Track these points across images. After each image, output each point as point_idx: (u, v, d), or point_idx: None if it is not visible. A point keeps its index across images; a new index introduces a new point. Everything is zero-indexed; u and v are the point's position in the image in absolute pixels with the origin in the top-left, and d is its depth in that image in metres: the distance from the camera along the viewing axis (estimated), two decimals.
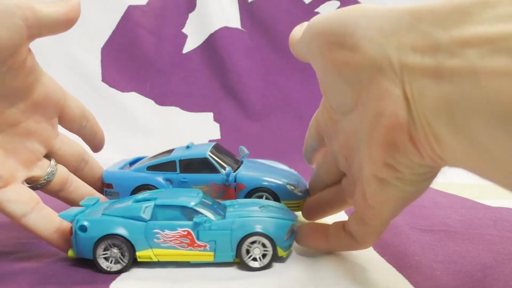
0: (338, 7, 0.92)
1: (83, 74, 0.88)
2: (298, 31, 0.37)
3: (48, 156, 0.42)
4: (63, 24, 0.40)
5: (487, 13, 0.21)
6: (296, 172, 0.52)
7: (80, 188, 0.44)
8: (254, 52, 0.96)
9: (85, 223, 0.36)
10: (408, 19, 0.25)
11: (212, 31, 0.92)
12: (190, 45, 0.94)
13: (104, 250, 0.36)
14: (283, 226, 0.37)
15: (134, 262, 0.37)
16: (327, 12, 0.33)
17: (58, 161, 0.43)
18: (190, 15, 0.93)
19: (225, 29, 0.93)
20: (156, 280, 0.35)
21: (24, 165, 0.39)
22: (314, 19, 0.33)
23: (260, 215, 0.38)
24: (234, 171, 0.48)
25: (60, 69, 0.85)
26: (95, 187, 0.47)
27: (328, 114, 0.37)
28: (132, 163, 0.54)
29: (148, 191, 0.43)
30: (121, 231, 0.36)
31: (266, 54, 0.96)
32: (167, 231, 0.36)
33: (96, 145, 0.49)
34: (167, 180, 0.48)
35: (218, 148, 0.51)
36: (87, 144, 0.48)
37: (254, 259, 0.36)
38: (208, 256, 0.37)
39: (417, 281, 0.34)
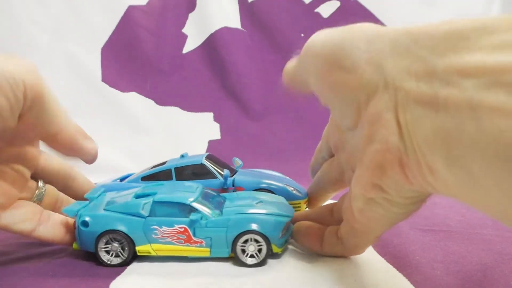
0: (338, 8, 0.92)
1: (83, 74, 0.88)
2: (291, 65, 0.38)
3: (35, 177, 0.41)
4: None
5: (484, 40, 0.20)
6: (292, 180, 0.52)
7: None
8: (254, 52, 0.96)
9: (87, 219, 0.37)
10: (406, 41, 0.25)
11: (212, 31, 0.92)
12: (190, 45, 0.94)
13: (106, 243, 0.38)
14: (279, 223, 0.38)
15: (134, 257, 0.38)
16: (325, 31, 0.32)
17: (45, 180, 0.42)
18: (190, 15, 0.93)
19: (225, 29, 0.93)
20: (155, 277, 0.35)
21: (14, 187, 0.38)
22: (312, 39, 0.32)
23: (256, 211, 0.38)
24: (231, 176, 0.48)
25: (60, 69, 0.85)
26: None
27: (336, 126, 0.37)
28: (122, 179, 0.53)
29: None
30: (121, 227, 0.37)
31: (266, 54, 0.96)
32: (164, 227, 0.37)
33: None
34: None
35: (212, 157, 0.51)
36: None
37: (252, 256, 0.37)
38: (204, 252, 0.37)
39: (417, 281, 0.34)
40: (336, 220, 0.39)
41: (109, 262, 0.37)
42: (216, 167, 0.48)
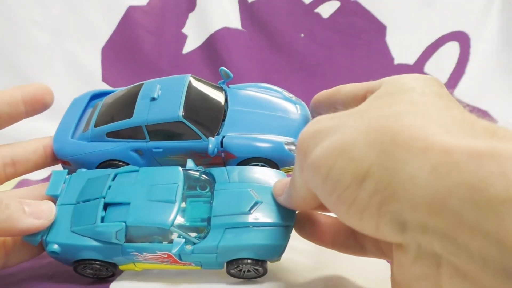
0: (338, 8, 0.92)
1: (83, 74, 0.87)
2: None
3: None
4: None
5: None
6: (291, 97, 0.43)
7: None
8: (254, 52, 0.96)
9: (55, 247, 0.33)
10: (421, 173, 0.20)
11: (212, 31, 0.92)
12: (190, 45, 0.94)
13: (84, 267, 0.34)
14: (277, 248, 0.33)
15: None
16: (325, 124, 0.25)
17: None
18: (190, 15, 0.93)
19: (225, 30, 0.93)
20: (156, 278, 0.35)
21: None
22: (310, 147, 0.26)
23: (249, 235, 0.32)
24: (219, 126, 0.37)
25: (60, 69, 0.85)
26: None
27: None
28: (95, 95, 0.44)
29: (116, 170, 0.36)
30: (96, 255, 0.33)
31: (266, 54, 0.96)
32: (145, 254, 0.33)
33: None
34: (136, 151, 0.38)
35: (194, 89, 0.39)
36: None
37: (241, 271, 0.34)
38: (195, 268, 0.34)
39: None
40: (353, 245, 0.35)
41: (95, 276, 0.35)
42: (200, 122, 0.37)
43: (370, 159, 0.21)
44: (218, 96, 0.41)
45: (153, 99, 0.38)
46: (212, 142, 0.36)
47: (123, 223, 0.32)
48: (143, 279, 0.35)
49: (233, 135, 0.37)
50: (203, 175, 0.36)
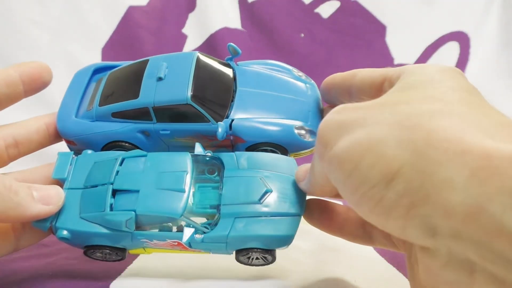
0: (338, 8, 0.92)
1: None
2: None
3: None
4: None
5: None
6: (301, 76, 0.42)
7: None
8: (254, 53, 0.96)
9: (65, 233, 0.33)
10: (456, 176, 0.19)
11: (212, 31, 0.92)
12: (190, 46, 0.94)
13: (94, 251, 0.34)
14: (286, 239, 0.32)
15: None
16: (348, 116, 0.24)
17: None
18: (190, 15, 0.93)
19: (225, 30, 0.93)
20: (157, 278, 0.35)
21: None
22: (336, 141, 0.24)
23: (259, 226, 0.32)
24: (228, 108, 0.36)
25: (60, 69, 0.85)
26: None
27: None
28: (98, 68, 0.43)
29: (123, 154, 0.35)
30: (106, 241, 0.33)
31: (266, 54, 0.96)
32: (155, 241, 0.33)
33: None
34: (142, 132, 0.37)
35: (202, 68, 0.37)
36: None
37: (256, 258, 0.34)
38: (204, 253, 0.34)
39: None
40: (361, 236, 0.34)
41: (105, 259, 0.35)
42: (208, 105, 0.36)
43: (401, 158, 0.20)
44: (227, 75, 0.39)
45: (160, 79, 0.37)
46: (221, 127, 0.35)
47: (133, 212, 0.32)
48: (143, 280, 0.35)
49: (242, 118, 0.36)
50: (212, 160, 0.35)
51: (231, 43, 0.40)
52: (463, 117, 0.21)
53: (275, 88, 0.40)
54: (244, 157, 0.35)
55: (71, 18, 0.86)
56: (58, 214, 0.33)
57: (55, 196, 0.33)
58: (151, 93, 0.36)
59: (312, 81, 0.42)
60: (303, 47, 0.92)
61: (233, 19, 0.94)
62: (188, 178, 0.33)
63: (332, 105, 0.38)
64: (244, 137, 0.36)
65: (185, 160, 0.34)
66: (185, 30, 0.94)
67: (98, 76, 0.44)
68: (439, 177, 0.19)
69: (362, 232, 0.33)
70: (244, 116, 0.37)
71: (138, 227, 0.33)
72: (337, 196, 0.31)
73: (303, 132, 0.37)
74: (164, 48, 0.92)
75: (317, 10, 0.94)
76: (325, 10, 0.92)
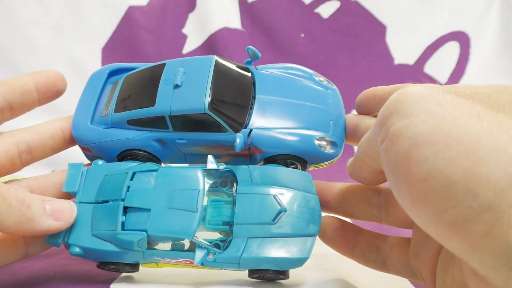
0: (338, 8, 0.92)
1: (84, 74, 0.87)
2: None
3: None
4: None
5: None
6: (322, 81, 0.39)
7: None
8: None
9: (77, 250, 0.33)
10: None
11: (212, 31, 0.92)
12: (190, 46, 0.94)
13: (107, 264, 0.34)
14: (299, 261, 0.32)
15: None
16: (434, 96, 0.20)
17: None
18: (190, 15, 0.93)
19: (226, 30, 0.93)
20: (156, 280, 0.35)
21: None
22: (408, 115, 0.20)
23: (272, 246, 0.31)
24: (246, 116, 0.35)
25: (60, 69, 0.85)
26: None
27: None
28: (113, 71, 0.42)
29: (134, 168, 0.35)
30: (118, 258, 0.33)
31: (266, 54, 0.96)
32: (167, 259, 0.33)
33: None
34: (158, 140, 0.36)
35: (220, 74, 0.36)
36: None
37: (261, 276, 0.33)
38: (217, 269, 0.34)
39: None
40: (374, 216, 0.33)
41: (119, 271, 0.35)
42: (226, 114, 0.34)
43: (498, 167, 0.16)
44: (246, 81, 0.37)
45: (177, 86, 0.35)
46: (240, 138, 0.33)
47: (144, 233, 0.31)
48: (143, 280, 0.35)
49: (261, 127, 0.35)
50: (225, 175, 0.35)
51: (250, 46, 0.39)
52: None
53: (295, 96, 0.38)
54: (258, 171, 0.34)
55: (71, 18, 0.86)
56: (70, 229, 0.33)
57: (67, 212, 0.32)
58: (167, 101, 0.35)
59: (334, 86, 0.41)
60: (303, 47, 0.92)
61: (233, 19, 0.94)
62: (200, 197, 0.32)
63: (362, 112, 0.36)
64: (262, 148, 0.35)
65: (197, 177, 0.33)
66: (185, 30, 0.94)
67: (114, 78, 0.43)
68: None
69: (375, 256, 0.32)
70: (263, 125, 0.35)
71: (150, 243, 0.32)
72: (370, 181, 0.29)
73: (324, 143, 0.36)
74: (164, 48, 0.92)
75: (317, 10, 0.94)
76: (325, 10, 0.92)
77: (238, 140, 0.33)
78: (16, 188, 0.30)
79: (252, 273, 0.33)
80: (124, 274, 0.36)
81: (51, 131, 0.38)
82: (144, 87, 0.38)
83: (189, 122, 0.35)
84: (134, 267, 0.34)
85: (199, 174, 0.33)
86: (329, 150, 0.35)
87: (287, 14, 0.94)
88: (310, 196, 0.34)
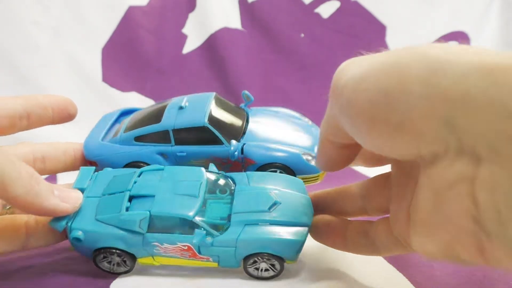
0: (338, 8, 0.92)
1: (83, 74, 0.88)
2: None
3: None
4: None
5: None
6: (307, 121, 0.45)
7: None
8: (254, 53, 0.96)
9: (79, 234, 0.34)
10: (483, 85, 0.18)
11: (212, 31, 0.92)
12: (190, 46, 0.94)
13: (104, 257, 0.35)
14: (295, 244, 0.33)
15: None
16: (358, 58, 0.26)
17: None
18: (190, 15, 0.93)
19: (226, 30, 0.93)
20: (157, 277, 0.35)
21: None
22: (340, 74, 0.26)
23: (268, 229, 0.33)
24: (240, 136, 0.40)
25: (60, 69, 0.85)
26: None
27: None
28: (124, 112, 0.47)
29: (142, 168, 0.37)
30: (118, 243, 0.34)
31: (266, 54, 0.96)
32: (166, 245, 0.34)
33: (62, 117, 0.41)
34: (161, 154, 0.41)
35: (218, 103, 0.42)
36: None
37: (257, 269, 0.35)
38: (212, 264, 0.35)
39: (417, 281, 0.34)
40: (360, 208, 0.36)
41: (111, 271, 0.35)
42: (223, 128, 0.40)
43: (418, 68, 0.20)
44: (240, 110, 0.44)
45: (181, 108, 0.41)
46: (234, 145, 0.39)
47: (147, 212, 0.33)
48: (143, 279, 0.35)
49: (253, 143, 0.40)
50: (225, 179, 0.37)
51: (245, 91, 0.45)
52: (462, 46, 0.21)
53: (283, 123, 0.44)
54: (254, 176, 0.37)
55: (71, 18, 0.87)
56: (74, 216, 0.34)
57: (74, 197, 0.34)
58: (172, 119, 0.40)
59: (317, 126, 0.45)
60: (303, 47, 0.92)
61: (233, 19, 0.94)
62: (202, 186, 0.34)
63: None
64: (254, 159, 0.39)
65: (200, 172, 0.36)
66: (185, 30, 0.94)
67: (124, 117, 0.48)
68: (456, 74, 0.19)
69: (365, 241, 0.33)
70: (255, 140, 0.40)
71: (151, 231, 0.34)
72: (344, 149, 0.31)
73: (309, 157, 0.40)
74: (164, 48, 0.92)
75: (317, 10, 0.94)
76: (325, 10, 0.93)
77: (232, 147, 0.39)
78: (26, 165, 0.31)
79: (246, 263, 0.34)
80: (123, 274, 0.36)
81: (64, 148, 0.43)
82: (152, 112, 0.43)
83: (190, 136, 0.39)
84: (130, 262, 0.35)
85: (202, 170, 0.36)
86: (313, 163, 0.39)
87: (287, 14, 0.94)
88: (303, 195, 0.37)
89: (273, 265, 0.34)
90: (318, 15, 0.94)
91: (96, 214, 0.34)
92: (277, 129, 0.43)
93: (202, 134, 0.39)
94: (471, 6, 0.88)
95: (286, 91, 0.98)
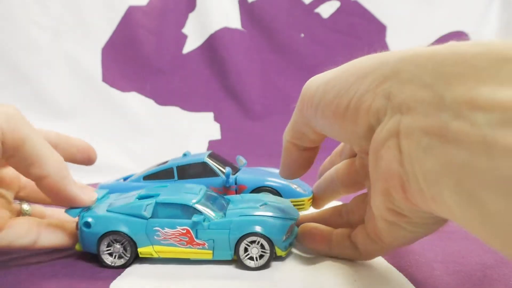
0: (338, 8, 0.92)
1: (83, 74, 0.88)
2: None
3: (18, 199, 0.42)
4: None
5: (496, 69, 0.19)
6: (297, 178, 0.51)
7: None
8: (254, 52, 0.96)
9: (89, 220, 0.37)
10: (410, 68, 0.24)
11: (212, 31, 0.93)
12: (190, 45, 0.94)
13: (108, 246, 0.37)
14: (283, 226, 0.37)
15: (136, 258, 0.38)
16: (319, 75, 0.32)
17: (29, 199, 0.42)
18: (190, 15, 0.94)
19: (225, 30, 0.93)
20: (155, 278, 0.35)
21: (2, 210, 0.38)
22: (307, 87, 0.33)
23: (259, 213, 0.38)
24: (233, 174, 0.47)
25: (60, 69, 0.86)
26: None
27: None
28: (125, 179, 0.53)
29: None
30: (123, 228, 0.37)
31: (266, 54, 0.96)
32: (167, 229, 0.37)
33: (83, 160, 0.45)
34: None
35: (214, 155, 0.50)
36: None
37: (251, 258, 0.37)
38: (207, 254, 0.37)
39: (417, 281, 0.34)
40: (345, 222, 0.39)
41: (112, 264, 0.37)
42: (219, 165, 0.47)
43: (371, 63, 0.27)
44: (233, 164, 0.52)
45: (185, 155, 0.51)
46: (228, 171, 0.45)
47: (154, 199, 0.38)
48: (142, 280, 0.35)
49: (246, 175, 0.47)
50: (221, 200, 0.42)
51: (239, 156, 0.52)
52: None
53: (272, 171, 0.51)
54: (247, 195, 0.44)
55: (71, 18, 0.87)
56: (88, 209, 0.38)
57: (91, 193, 0.38)
58: (176, 161, 0.48)
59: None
60: (303, 47, 0.92)
61: (233, 19, 0.94)
62: (202, 192, 0.40)
63: None
64: (246, 184, 0.46)
65: (200, 186, 0.42)
66: (185, 30, 0.94)
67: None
68: (394, 62, 0.25)
69: (348, 243, 0.36)
70: (247, 174, 0.48)
71: (154, 217, 0.38)
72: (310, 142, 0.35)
73: (296, 186, 0.46)
74: (164, 48, 0.92)
75: (317, 10, 0.94)
76: (325, 10, 0.93)
77: (228, 169, 0.45)
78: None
79: (238, 246, 0.37)
80: (124, 273, 0.36)
81: (76, 142, 0.45)
82: (159, 166, 0.50)
83: (191, 170, 0.47)
84: (132, 250, 0.37)
85: (202, 186, 0.42)
86: (301, 191, 0.46)
87: (287, 14, 0.95)
88: (290, 203, 0.43)
89: (262, 256, 0.37)
90: (318, 15, 0.94)
91: (107, 207, 0.39)
92: (266, 172, 0.50)
93: (202, 169, 0.47)
94: (471, 6, 0.88)
95: (286, 91, 0.98)
